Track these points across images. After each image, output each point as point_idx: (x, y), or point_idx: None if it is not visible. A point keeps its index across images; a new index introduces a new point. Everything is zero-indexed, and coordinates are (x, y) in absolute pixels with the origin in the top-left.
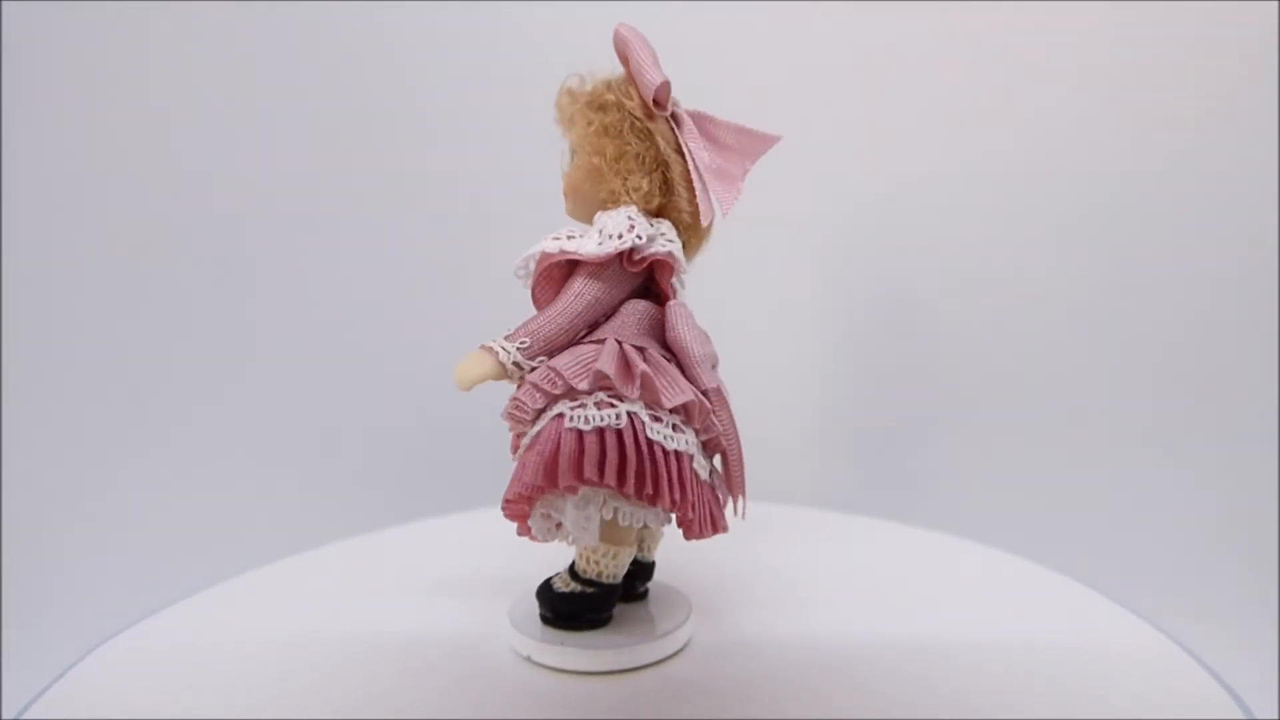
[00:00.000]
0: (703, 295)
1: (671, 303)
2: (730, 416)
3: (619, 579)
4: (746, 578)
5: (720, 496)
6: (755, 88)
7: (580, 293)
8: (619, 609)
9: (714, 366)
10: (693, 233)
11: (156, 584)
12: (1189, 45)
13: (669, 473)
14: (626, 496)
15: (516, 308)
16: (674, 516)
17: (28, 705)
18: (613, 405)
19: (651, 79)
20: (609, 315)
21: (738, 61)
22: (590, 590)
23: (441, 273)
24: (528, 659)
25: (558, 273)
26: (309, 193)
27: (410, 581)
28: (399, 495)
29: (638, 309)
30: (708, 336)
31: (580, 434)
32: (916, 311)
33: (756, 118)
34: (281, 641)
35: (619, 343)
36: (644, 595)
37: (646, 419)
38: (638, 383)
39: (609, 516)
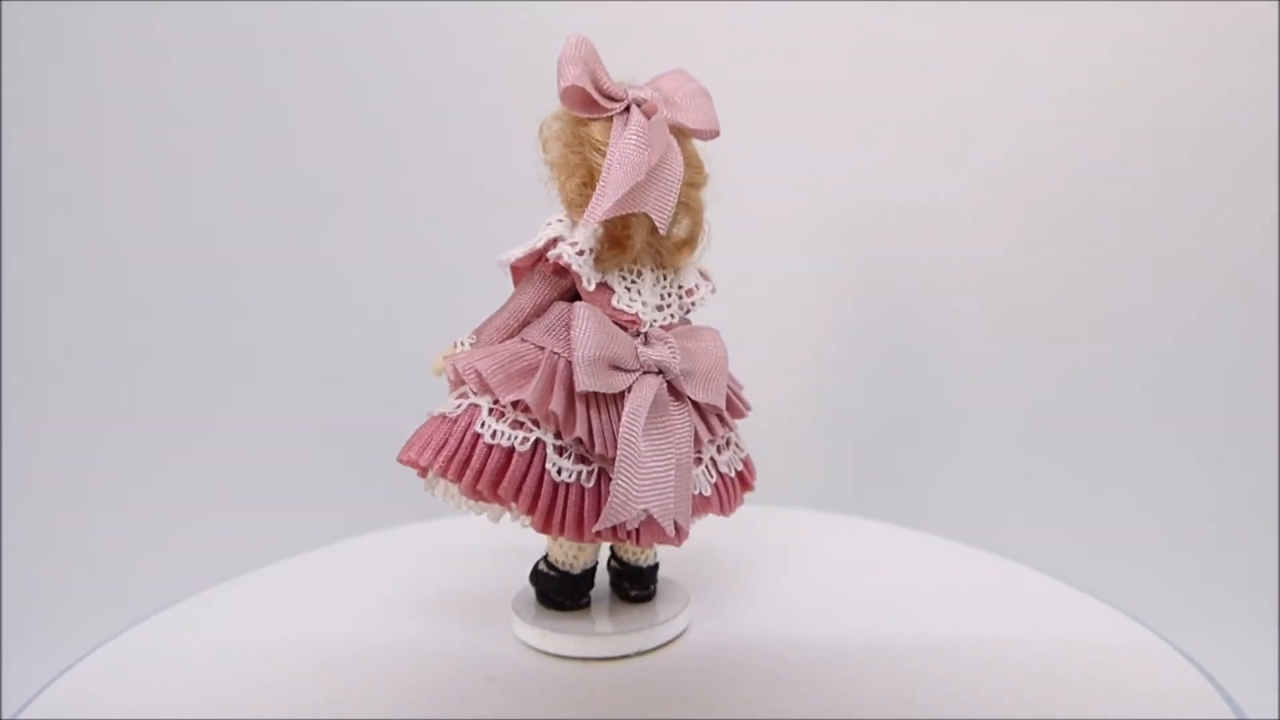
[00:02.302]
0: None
1: (576, 304)
2: (622, 423)
3: (574, 569)
4: (741, 577)
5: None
6: (756, 89)
7: (515, 295)
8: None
9: (649, 370)
10: (616, 237)
11: (157, 585)
12: (1189, 49)
13: (481, 463)
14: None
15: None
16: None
17: (21, 708)
18: (464, 397)
19: (559, 83)
20: (540, 316)
21: (738, 64)
22: (553, 573)
23: (440, 270)
24: (523, 643)
25: (520, 275)
26: (303, 198)
27: (422, 572)
28: (404, 496)
29: (561, 311)
30: (662, 339)
31: (431, 419)
32: (911, 313)
33: (757, 118)
34: (283, 642)
35: (521, 341)
36: (641, 599)
37: (485, 412)
38: (472, 376)
39: (440, 494)
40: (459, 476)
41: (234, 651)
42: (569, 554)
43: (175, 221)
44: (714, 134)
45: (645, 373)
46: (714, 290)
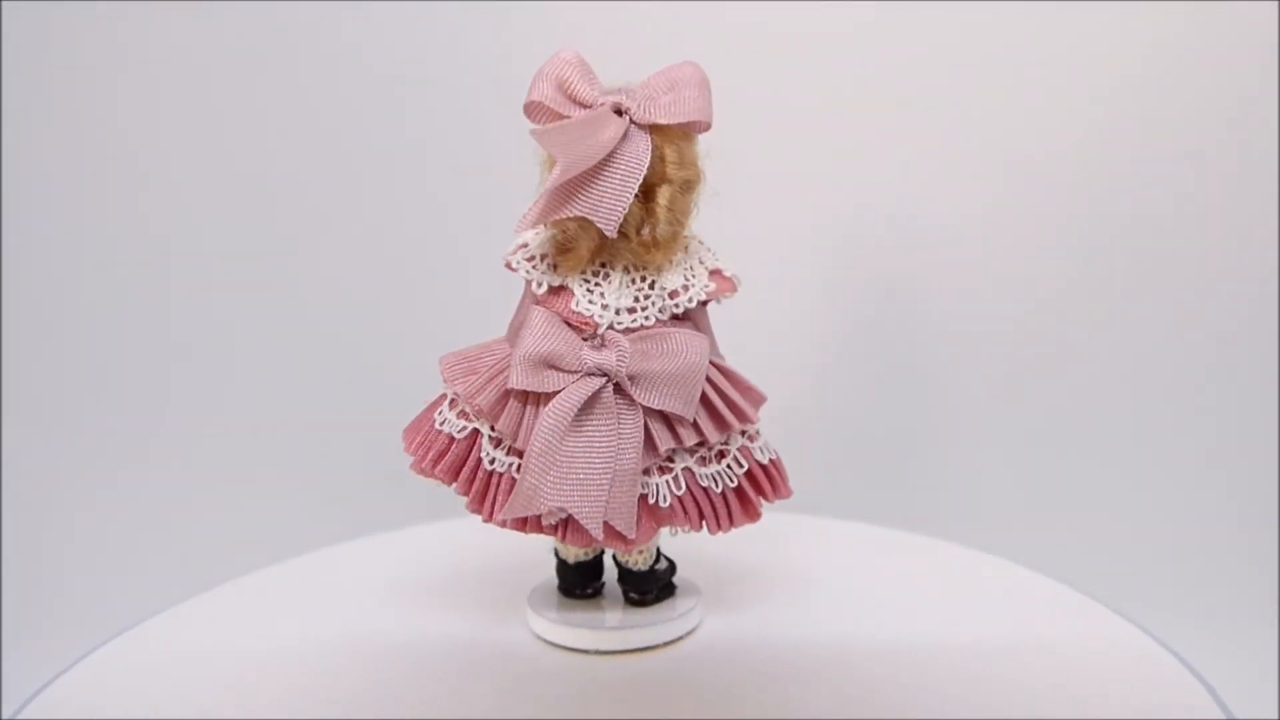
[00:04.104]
0: None
1: (531, 306)
2: (539, 420)
3: (568, 559)
4: (743, 580)
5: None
6: (764, 92)
7: (523, 297)
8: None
9: (591, 373)
10: (559, 242)
11: (157, 585)
12: (1189, 49)
13: (429, 445)
14: None
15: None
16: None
17: (20, 708)
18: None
19: (526, 98)
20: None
21: (750, 68)
22: (556, 560)
23: (448, 271)
24: (537, 636)
25: None
26: (304, 197)
27: (425, 572)
28: (407, 497)
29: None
30: (618, 342)
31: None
32: (913, 317)
33: (765, 122)
34: (283, 642)
35: (503, 340)
36: (637, 603)
37: (446, 402)
38: (442, 369)
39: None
40: (414, 453)
41: (234, 652)
42: (560, 543)
43: (177, 222)
44: (703, 127)
45: (587, 375)
46: (710, 290)
